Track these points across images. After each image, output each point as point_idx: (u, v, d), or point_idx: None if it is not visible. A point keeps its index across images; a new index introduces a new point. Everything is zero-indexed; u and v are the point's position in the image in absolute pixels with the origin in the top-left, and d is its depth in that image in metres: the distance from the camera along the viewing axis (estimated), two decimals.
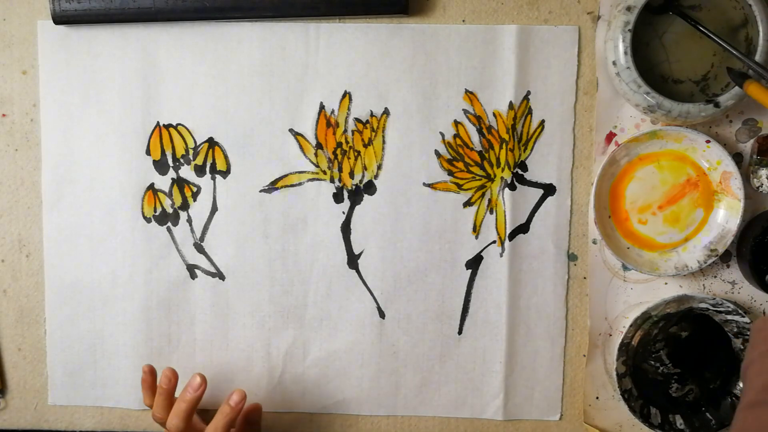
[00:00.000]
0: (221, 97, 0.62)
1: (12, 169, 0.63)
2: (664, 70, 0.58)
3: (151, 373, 0.59)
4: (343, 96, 0.62)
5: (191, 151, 0.63)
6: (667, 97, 0.56)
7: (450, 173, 0.62)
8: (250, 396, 0.65)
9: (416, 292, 0.63)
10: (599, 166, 0.60)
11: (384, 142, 0.62)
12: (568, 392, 0.64)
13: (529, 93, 0.61)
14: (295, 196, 0.63)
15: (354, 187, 0.63)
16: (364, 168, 0.62)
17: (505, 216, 0.62)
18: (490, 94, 0.61)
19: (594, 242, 0.63)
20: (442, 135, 0.62)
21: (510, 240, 0.63)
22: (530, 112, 0.61)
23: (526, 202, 0.62)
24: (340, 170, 0.62)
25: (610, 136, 0.61)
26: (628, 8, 0.55)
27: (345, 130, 0.62)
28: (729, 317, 0.61)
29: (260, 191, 0.63)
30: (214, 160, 0.63)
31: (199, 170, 0.63)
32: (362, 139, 0.62)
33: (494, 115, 0.61)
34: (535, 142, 0.62)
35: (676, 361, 0.63)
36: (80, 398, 0.65)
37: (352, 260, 0.63)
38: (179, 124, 0.62)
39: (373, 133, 0.62)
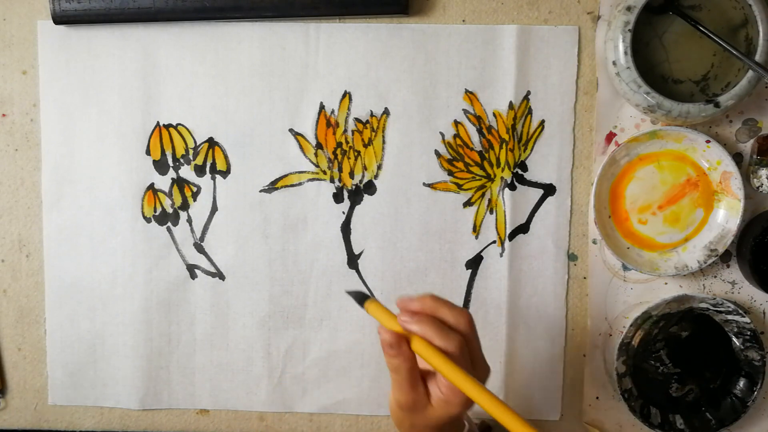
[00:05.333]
0: (221, 97, 0.62)
1: (12, 169, 0.63)
2: (664, 70, 0.58)
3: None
4: (343, 96, 0.62)
5: (191, 151, 0.63)
6: (667, 97, 0.56)
7: (450, 173, 0.62)
8: (249, 395, 0.65)
9: (416, 292, 0.63)
10: (599, 166, 0.60)
11: (384, 142, 0.62)
12: (568, 392, 0.64)
13: (529, 93, 0.61)
14: (295, 196, 0.63)
15: (354, 187, 0.63)
16: (364, 168, 0.62)
17: (505, 216, 0.62)
18: (490, 94, 0.61)
19: (594, 242, 0.63)
20: (442, 135, 0.62)
21: (510, 240, 0.63)
22: (530, 112, 0.61)
23: (526, 202, 0.62)
24: (340, 170, 0.62)
25: (610, 136, 0.61)
26: (628, 8, 0.55)
27: (345, 130, 0.62)
28: (729, 317, 0.61)
29: (260, 191, 0.63)
30: (214, 160, 0.63)
31: (199, 170, 0.63)
32: (362, 139, 0.62)
33: (494, 115, 0.61)
34: (535, 142, 0.62)
35: (676, 361, 0.63)
36: (80, 398, 0.65)
37: (352, 260, 0.63)
38: (179, 124, 0.62)
39: (373, 133, 0.62)
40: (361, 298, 0.49)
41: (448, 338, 0.44)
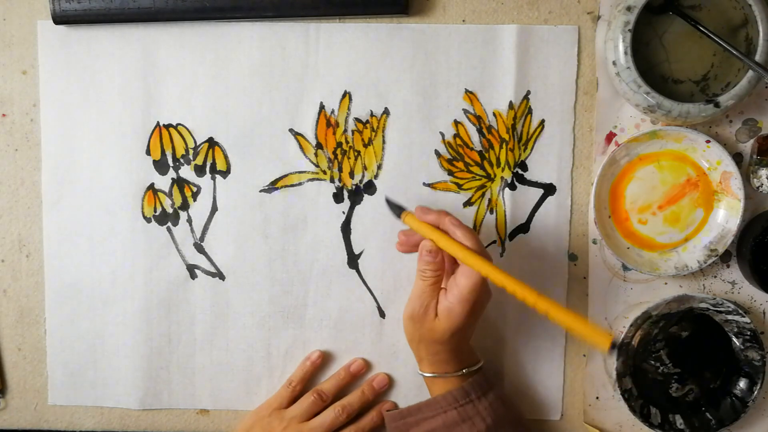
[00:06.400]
0: (221, 97, 0.62)
1: (12, 169, 0.63)
2: (664, 70, 0.58)
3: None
4: (343, 96, 0.62)
5: (191, 151, 0.63)
6: (667, 97, 0.56)
7: (450, 173, 0.62)
8: (249, 395, 0.65)
9: None
10: (599, 166, 0.60)
11: (384, 142, 0.62)
12: (568, 392, 0.64)
13: (529, 93, 0.61)
14: (295, 196, 0.63)
15: (354, 187, 0.63)
16: (364, 168, 0.62)
17: (505, 216, 0.62)
18: (490, 94, 0.61)
19: (594, 242, 0.63)
20: (442, 135, 0.62)
21: (510, 240, 0.63)
22: (530, 111, 0.61)
23: (526, 202, 0.62)
24: (340, 170, 0.62)
25: (610, 136, 0.62)
26: (628, 8, 0.55)
27: (345, 130, 0.62)
28: (729, 317, 0.61)
29: (260, 191, 0.63)
30: (214, 160, 0.63)
31: (199, 170, 0.63)
32: (362, 139, 0.62)
33: (494, 114, 0.61)
34: (535, 142, 0.62)
35: (676, 361, 0.63)
36: (80, 398, 0.65)
37: (352, 260, 0.63)
38: (179, 124, 0.62)
39: (373, 133, 0.62)
40: (398, 210, 0.58)
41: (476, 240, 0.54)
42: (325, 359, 0.64)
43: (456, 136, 0.62)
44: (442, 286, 0.56)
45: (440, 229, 0.55)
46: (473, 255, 0.52)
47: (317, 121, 0.62)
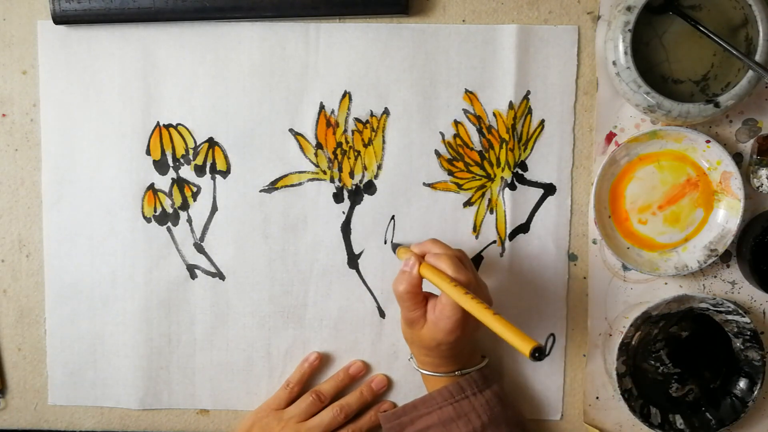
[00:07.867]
0: (221, 97, 0.62)
1: (12, 169, 0.63)
2: (664, 70, 0.58)
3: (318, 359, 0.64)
4: (343, 96, 0.62)
5: (191, 151, 0.63)
6: (667, 97, 0.56)
7: (450, 173, 0.62)
8: (249, 395, 0.65)
9: None
10: (599, 166, 0.60)
11: (384, 142, 0.62)
12: (568, 392, 0.64)
13: (529, 93, 0.61)
14: (295, 196, 0.63)
15: (354, 187, 0.63)
16: (364, 168, 0.62)
17: (505, 216, 0.62)
18: (490, 94, 0.61)
19: (594, 242, 0.63)
20: (442, 135, 0.62)
21: (510, 240, 0.63)
22: (530, 111, 0.61)
23: (526, 202, 0.62)
24: (340, 170, 0.62)
25: (610, 136, 0.62)
26: (628, 8, 0.55)
27: (345, 130, 0.62)
28: (729, 317, 0.61)
29: (260, 191, 0.63)
30: (214, 160, 0.63)
31: (199, 170, 0.63)
32: (362, 139, 0.62)
33: (494, 114, 0.61)
34: (535, 142, 0.62)
35: (676, 361, 0.63)
36: (80, 398, 0.65)
37: (352, 260, 0.63)
38: (179, 124, 0.62)
39: (373, 133, 0.62)
40: (395, 246, 0.62)
41: (460, 271, 0.52)
42: (324, 360, 0.64)
43: (456, 136, 0.62)
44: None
45: (426, 254, 0.55)
46: (448, 284, 0.51)
47: (317, 121, 0.62)
